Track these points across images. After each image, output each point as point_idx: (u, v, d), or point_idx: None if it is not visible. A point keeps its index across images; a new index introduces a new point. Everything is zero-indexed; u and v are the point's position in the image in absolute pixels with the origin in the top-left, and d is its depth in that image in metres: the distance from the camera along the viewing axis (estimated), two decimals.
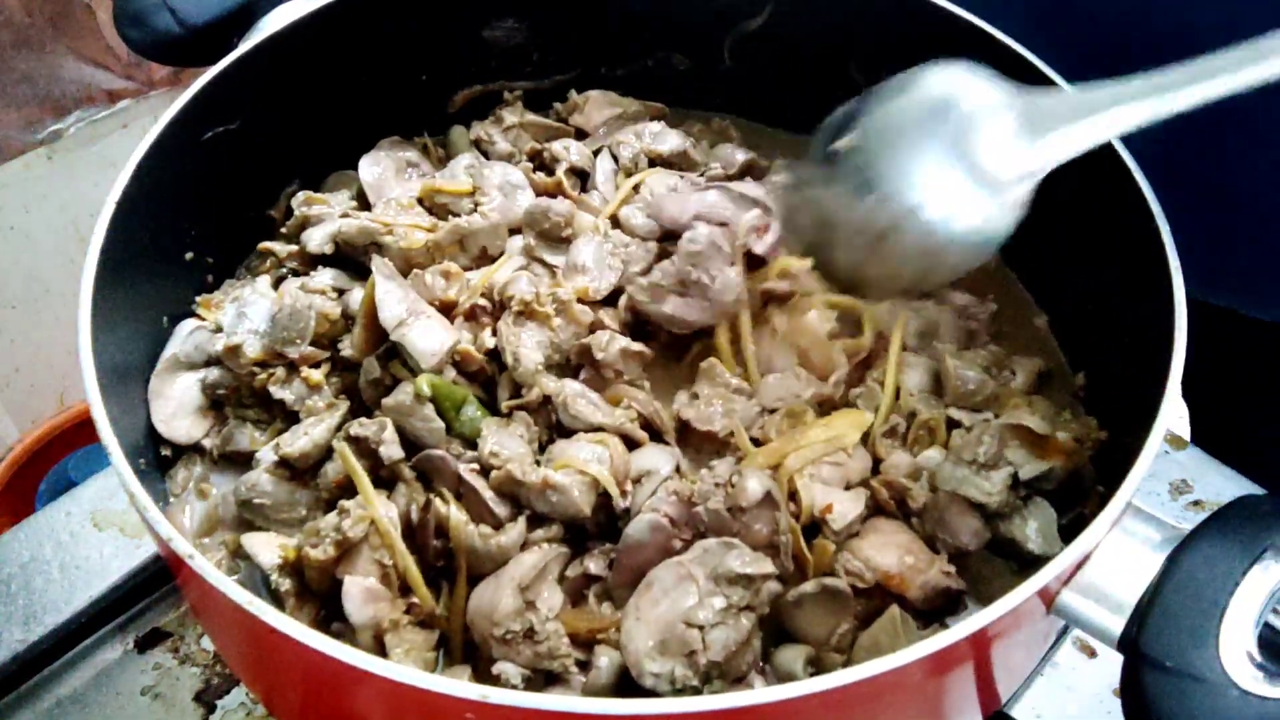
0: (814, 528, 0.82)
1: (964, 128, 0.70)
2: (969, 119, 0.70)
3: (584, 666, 0.75)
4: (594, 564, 0.80)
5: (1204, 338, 0.81)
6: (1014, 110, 0.71)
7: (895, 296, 0.92)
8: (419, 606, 0.78)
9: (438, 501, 0.80)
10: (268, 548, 0.79)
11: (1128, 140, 0.86)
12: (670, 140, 1.11)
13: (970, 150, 0.70)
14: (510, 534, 0.79)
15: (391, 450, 0.82)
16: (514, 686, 0.73)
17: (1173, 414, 0.73)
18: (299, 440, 0.83)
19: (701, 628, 0.71)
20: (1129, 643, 0.66)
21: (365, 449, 0.82)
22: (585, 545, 0.82)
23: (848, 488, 0.84)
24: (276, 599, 0.78)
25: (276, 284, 0.97)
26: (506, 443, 0.83)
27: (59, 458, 1.98)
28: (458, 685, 0.58)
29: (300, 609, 0.78)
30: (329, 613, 0.79)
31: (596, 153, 1.10)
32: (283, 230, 1.03)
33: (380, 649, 0.76)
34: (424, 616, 0.78)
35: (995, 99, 0.71)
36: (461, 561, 0.79)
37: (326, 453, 0.84)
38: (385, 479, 0.84)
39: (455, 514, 0.79)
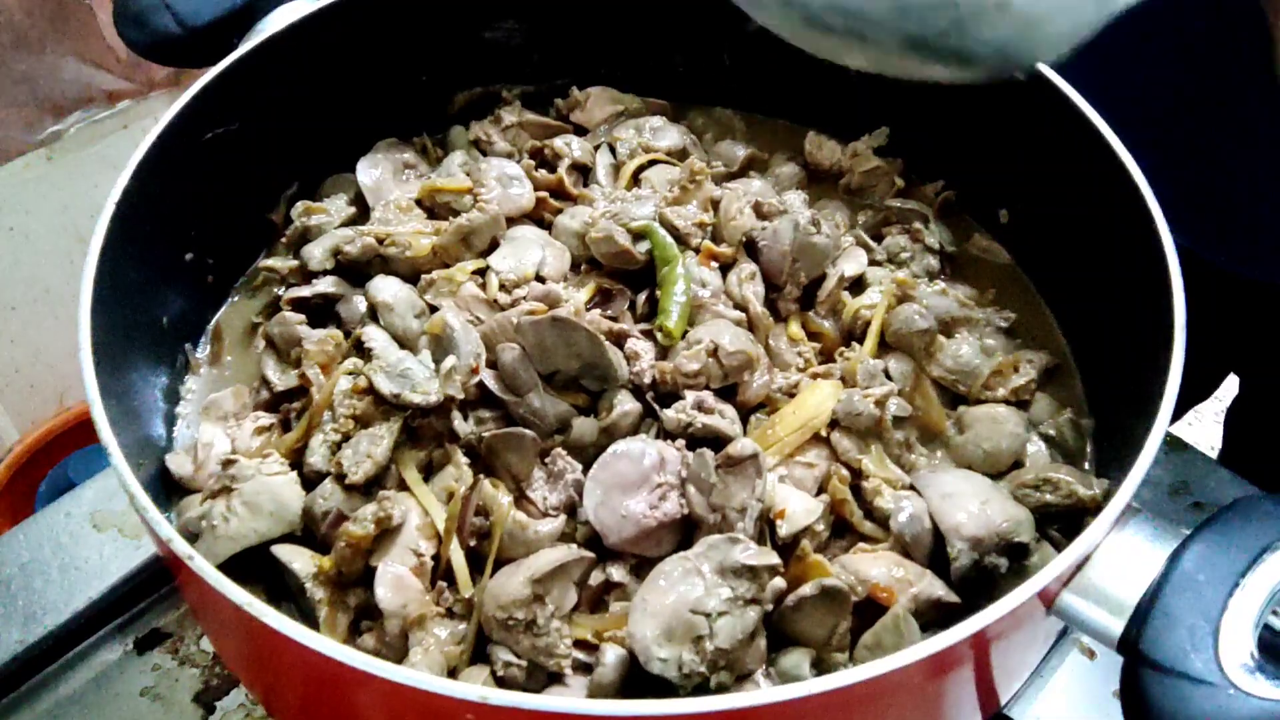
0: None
1: None
2: None
3: (587, 669, 0.75)
4: (616, 571, 0.80)
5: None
6: None
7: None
8: (449, 595, 0.78)
9: (486, 483, 0.81)
10: (301, 556, 0.79)
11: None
12: (669, 136, 1.11)
13: None
14: (550, 525, 0.80)
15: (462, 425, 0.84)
16: (506, 670, 0.74)
17: (1171, 414, 0.73)
18: (364, 464, 0.81)
19: (709, 615, 0.72)
20: (1129, 644, 0.66)
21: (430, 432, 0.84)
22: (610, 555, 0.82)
23: (820, 489, 0.84)
24: (308, 614, 0.78)
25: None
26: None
27: (59, 458, 1.98)
28: (457, 686, 0.58)
29: (334, 619, 0.78)
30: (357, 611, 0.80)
31: (597, 148, 1.11)
32: (283, 240, 1.03)
33: (405, 643, 0.76)
34: (454, 604, 0.79)
35: None
36: (495, 542, 0.79)
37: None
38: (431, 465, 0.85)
39: (502, 497, 0.80)
